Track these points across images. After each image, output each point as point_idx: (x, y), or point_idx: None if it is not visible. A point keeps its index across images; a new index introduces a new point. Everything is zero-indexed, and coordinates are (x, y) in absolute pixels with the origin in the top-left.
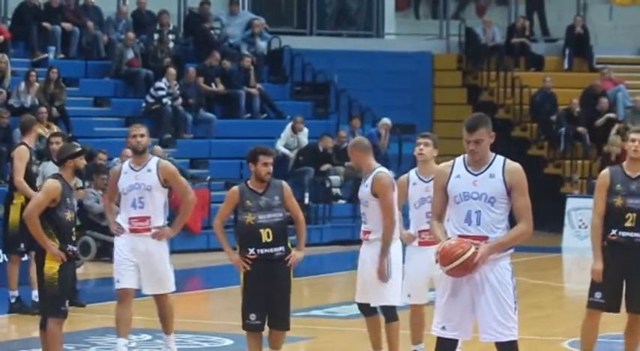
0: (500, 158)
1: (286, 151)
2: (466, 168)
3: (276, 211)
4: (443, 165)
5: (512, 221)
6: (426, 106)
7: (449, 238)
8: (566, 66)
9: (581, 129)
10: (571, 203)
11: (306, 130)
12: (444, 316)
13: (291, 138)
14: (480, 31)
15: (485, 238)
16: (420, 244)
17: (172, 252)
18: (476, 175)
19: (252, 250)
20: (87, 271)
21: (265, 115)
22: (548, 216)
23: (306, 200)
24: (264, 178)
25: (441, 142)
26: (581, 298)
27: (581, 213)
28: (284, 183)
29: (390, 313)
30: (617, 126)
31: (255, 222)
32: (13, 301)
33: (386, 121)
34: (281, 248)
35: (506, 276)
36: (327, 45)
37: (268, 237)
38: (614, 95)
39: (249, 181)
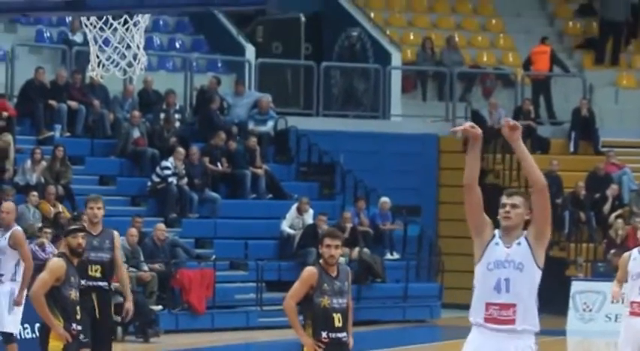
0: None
1: (291, 232)
2: (502, 239)
3: (345, 296)
4: (490, 223)
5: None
6: (431, 187)
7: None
8: (571, 149)
9: (586, 212)
10: (576, 286)
11: (311, 211)
12: None
13: (297, 219)
14: (486, 113)
15: (514, 306)
16: (631, 314)
17: (177, 331)
18: (508, 247)
19: (324, 334)
20: None
21: (271, 195)
22: (553, 299)
23: None
24: (328, 261)
25: (446, 224)
26: None
27: (585, 296)
28: (349, 268)
29: None
30: (620, 210)
31: (329, 306)
32: None
33: (385, 199)
34: (346, 333)
35: None
36: (334, 126)
37: (339, 322)
38: (619, 178)
39: (322, 263)
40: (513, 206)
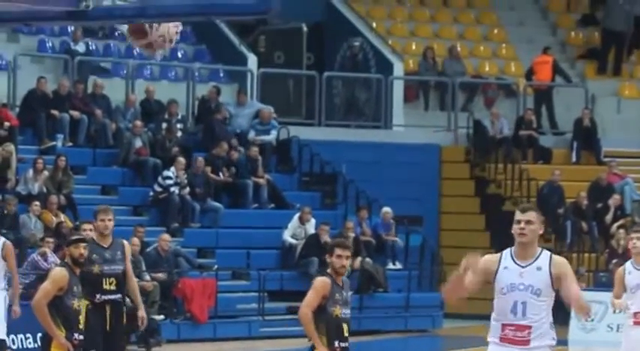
0: (546, 252)
1: (293, 242)
2: (513, 260)
3: (349, 306)
4: (491, 256)
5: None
6: (433, 197)
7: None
8: (574, 159)
9: (588, 223)
10: None
11: (313, 221)
12: None
13: (299, 228)
14: (488, 123)
15: (529, 328)
16: (635, 323)
17: (179, 341)
18: (523, 266)
19: (337, 343)
20: None
21: (272, 205)
22: (555, 308)
23: None
24: (338, 271)
25: (448, 233)
26: None
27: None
28: (348, 280)
29: None
30: (622, 220)
31: (340, 316)
32: None
33: (387, 209)
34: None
35: None
36: (336, 136)
37: (346, 332)
38: (621, 188)
39: (331, 273)
40: (528, 222)
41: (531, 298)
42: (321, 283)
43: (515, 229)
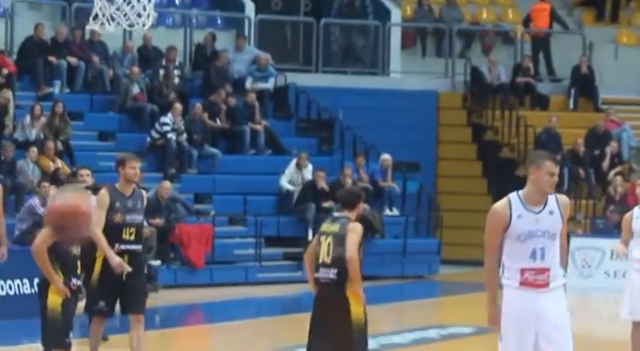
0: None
1: (290, 188)
2: (525, 207)
3: None
4: (499, 206)
5: None
6: (430, 144)
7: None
8: (571, 106)
9: (585, 169)
10: (575, 243)
11: (310, 167)
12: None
13: (296, 174)
14: (486, 70)
15: (547, 270)
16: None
17: (175, 286)
18: (536, 212)
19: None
20: None
21: (270, 151)
22: None
23: (310, 237)
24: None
25: (445, 180)
26: (586, 338)
27: (584, 253)
28: None
29: None
30: (619, 167)
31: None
32: None
33: (386, 156)
34: None
35: (564, 306)
36: (333, 82)
37: None
38: (618, 135)
39: (355, 220)
40: (557, 175)
41: (548, 242)
42: (360, 228)
43: (547, 180)
